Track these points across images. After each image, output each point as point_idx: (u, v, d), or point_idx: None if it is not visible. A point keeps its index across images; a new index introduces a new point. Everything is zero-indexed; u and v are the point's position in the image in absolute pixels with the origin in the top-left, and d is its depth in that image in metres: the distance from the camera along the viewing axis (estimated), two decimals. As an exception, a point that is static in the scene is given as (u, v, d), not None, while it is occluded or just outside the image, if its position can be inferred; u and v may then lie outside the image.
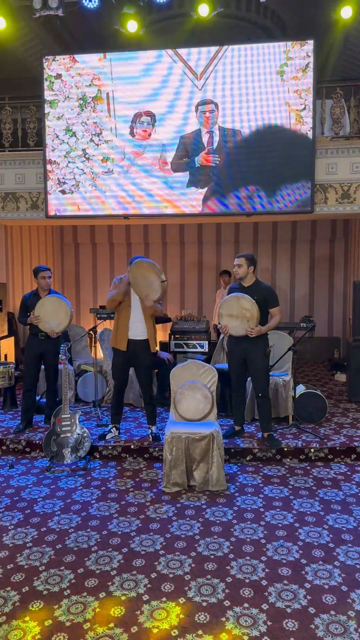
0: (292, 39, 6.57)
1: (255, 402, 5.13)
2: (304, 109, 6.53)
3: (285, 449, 4.78)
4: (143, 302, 4.78)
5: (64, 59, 6.90)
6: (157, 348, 5.15)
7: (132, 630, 2.54)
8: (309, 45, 6.45)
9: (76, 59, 6.87)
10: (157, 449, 4.80)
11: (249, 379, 5.17)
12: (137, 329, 4.87)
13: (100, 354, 6.57)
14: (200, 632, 2.52)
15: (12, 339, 7.27)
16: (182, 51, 6.67)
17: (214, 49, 6.62)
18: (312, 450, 4.76)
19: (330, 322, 9.77)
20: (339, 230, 9.55)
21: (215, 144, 6.70)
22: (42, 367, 5.43)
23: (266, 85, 6.57)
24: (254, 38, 8.29)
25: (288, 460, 4.76)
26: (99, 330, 6.23)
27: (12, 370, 5.42)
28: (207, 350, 6.82)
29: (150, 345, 4.90)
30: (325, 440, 4.91)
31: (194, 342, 6.86)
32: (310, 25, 7.97)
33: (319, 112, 6.80)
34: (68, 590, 2.85)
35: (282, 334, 5.87)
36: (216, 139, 6.71)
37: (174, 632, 2.52)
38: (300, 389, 5.60)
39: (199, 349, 6.83)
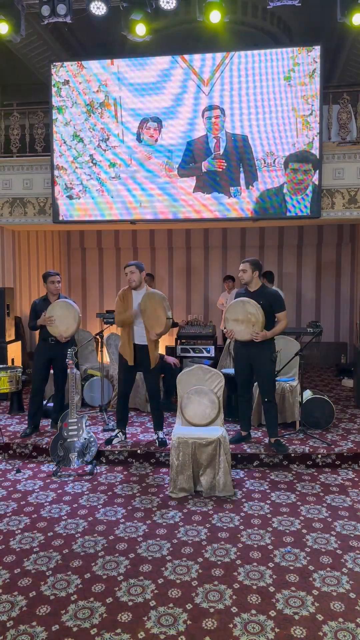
0: (299, 45, 6.60)
1: (262, 407, 5.12)
2: (311, 114, 6.54)
3: (293, 455, 4.76)
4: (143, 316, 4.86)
5: (71, 65, 6.96)
6: (164, 353, 5.16)
7: (139, 636, 2.53)
8: (316, 51, 6.47)
9: (84, 65, 6.93)
10: (163, 454, 4.80)
11: (256, 384, 5.16)
12: (140, 334, 4.92)
13: (106, 358, 6.58)
14: (207, 638, 2.50)
15: (19, 344, 7.29)
16: (189, 57, 6.72)
17: (220, 55, 6.66)
18: (320, 456, 4.74)
19: (337, 327, 9.74)
20: (345, 235, 9.53)
21: (222, 149, 6.73)
22: (51, 371, 5.45)
23: (273, 91, 6.60)
24: (260, 44, 8.33)
25: (295, 466, 4.73)
26: (105, 334, 6.24)
27: (20, 374, 5.44)
28: (213, 355, 6.82)
29: (151, 359, 4.92)
30: (333, 446, 4.88)
31: (201, 346, 6.86)
32: (316, 31, 8.00)
33: (325, 118, 6.81)
34: (75, 596, 2.85)
35: (289, 339, 5.85)
36: (223, 144, 6.73)
37: (181, 639, 2.50)
38: (307, 394, 5.59)
39: (206, 354, 6.83)
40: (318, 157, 6.56)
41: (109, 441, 5.00)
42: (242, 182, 6.73)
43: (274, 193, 6.70)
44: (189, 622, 2.62)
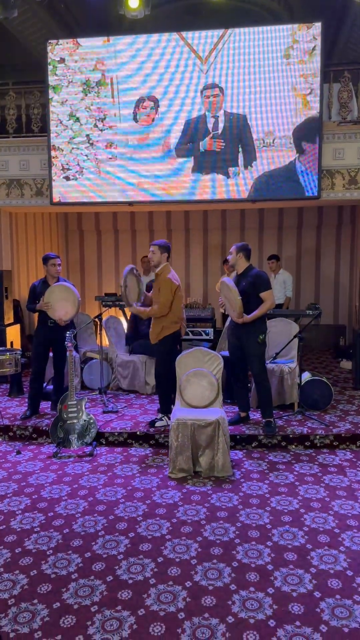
0: (298, 22, 6.47)
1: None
2: (311, 93, 6.45)
3: (291, 436, 4.78)
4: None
5: (67, 43, 6.83)
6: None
7: (139, 613, 2.56)
8: (316, 28, 6.36)
9: (80, 42, 6.80)
10: (163, 435, 4.82)
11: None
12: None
13: (105, 341, 6.58)
14: (206, 614, 2.54)
15: (18, 326, 7.29)
16: (187, 35, 6.60)
17: (218, 32, 6.54)
18: (318, 437, 4.77)
19: (336, 309, 9.73)
20: (345, 216, 9.47)
21: (220, 129, 6.64)
22: (50, 354, 5.45)
23: (272, 69, 6.50)
24: (259, 21, 8.17)
25: (293, 446, 4.77)
26: (104, 317, 6.23)
27: (19, 357, 5.44)
28: (212, 337, 6.82)
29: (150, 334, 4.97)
30: (331, 427, 4.91)
31: (199, 329, 6.86)
32: (317, 8, 7.84)
33: (326, 96, 6.71)
34: (76, 574, 2.88)
35: (288, 321, 5.85)
36: (221, 124, 6.64)
37: (181, 615, 2.54)
38: (306, 376, 5.60)
39: (205, 336, 6.83)
40: (318, 136, 6.48)
41: (152, 423, 4.99)
42: (241, 162, 6.66)
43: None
44: (188, 599, 2.66)
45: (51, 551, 3.11)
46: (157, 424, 4.97)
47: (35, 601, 2.66)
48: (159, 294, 4.84)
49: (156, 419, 5.03)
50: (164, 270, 4.88)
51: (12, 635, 2.42)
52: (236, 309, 4.69)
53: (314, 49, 6.39)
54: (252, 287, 4.76)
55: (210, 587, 2.75)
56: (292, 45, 6.43)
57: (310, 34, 6.37)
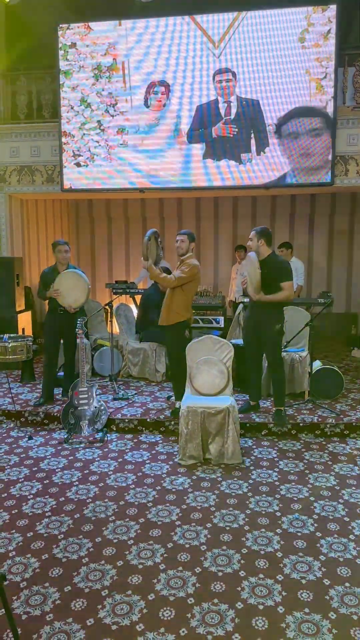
0: (313, 4, 6.34)
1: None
2: (325, 77, 6.34)
3: (301, 424, 4.78)
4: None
5: (78, 27, 6.77)
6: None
7: (149, 597, 2.59)
8: (331, 10, 6.24)
9: (91, 27, 6.74)
10: (173, 422, 4.84)
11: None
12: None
13: (116, 328, 6.59)
14: (215, 600, 2.56)
15: (29, 313, 7.32)
16: (199, 18, 6.50)
17: (231, 15, 6.43)
18: (328, 425, 4.76)
19: (349, 298, 9.65)
20: (359, 204, 9.35)
21: (233, 114, 6.56)
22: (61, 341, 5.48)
23: (286, 53, 6.39)
24: (273, 3, 8.01)
25: (304, 435, 4.76)
26: (114, 305, 6.23)
27: (30, 343, 5.47)
28: (222, 325, 6.80)
29: (160, 317, 4.94)
30: (342, 416, 4.89)
31: (210, 317, 6.84)
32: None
33: (340, 81, 6.59)
34: (86, 559, 2.92)
35: (299, 309, 5.81)
36: (234, 109, 6.56)
37: (190, 600, 2.56)
38: (317, 364, 5.57)
39: (215, 325, 6.82)
40: (332, 122, 6.38)
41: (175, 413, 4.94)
42: (254, 148, 6.59)
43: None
44: (197, 585, 2.68)
45: (62, 535, 3.15)
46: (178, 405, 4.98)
47: (47, 584, 2.70)
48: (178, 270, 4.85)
49: (176, 408, 5.00)
50: (191, 257, 4.93)
51: (24, 617, 2.46)
52: (254, 283, 4.64)
53: (328, 32, 6.27)
54: (274, 276, 4.70)
55: (220, 573, 2.77)
56: (306, 28, 6.31)
57: (325, 17, 6.25)
